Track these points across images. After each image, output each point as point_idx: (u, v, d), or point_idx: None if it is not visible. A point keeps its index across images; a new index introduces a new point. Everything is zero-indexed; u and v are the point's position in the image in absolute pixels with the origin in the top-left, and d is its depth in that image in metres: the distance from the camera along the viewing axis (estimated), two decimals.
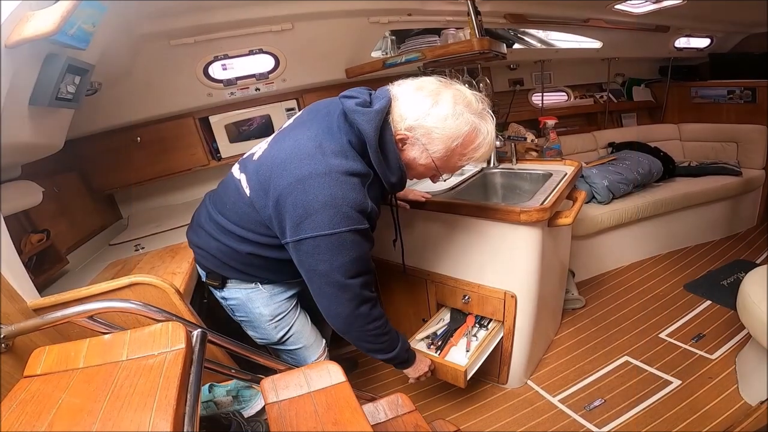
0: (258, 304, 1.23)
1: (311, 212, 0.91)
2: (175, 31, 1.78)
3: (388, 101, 0.99)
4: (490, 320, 1.69)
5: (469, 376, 1.47)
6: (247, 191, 1.05)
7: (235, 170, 1.15)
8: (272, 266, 1.15)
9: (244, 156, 1.17)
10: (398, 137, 1.00)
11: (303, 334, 1.32)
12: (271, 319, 1.25)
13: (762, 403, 1.46)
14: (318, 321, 1.40)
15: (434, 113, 0.97)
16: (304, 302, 1.34)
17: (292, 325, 1.29)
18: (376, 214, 1.03)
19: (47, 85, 1.08)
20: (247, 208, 1.06)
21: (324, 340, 1.40)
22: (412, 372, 1.32)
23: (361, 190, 0.96)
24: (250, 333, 1.32)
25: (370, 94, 1.03)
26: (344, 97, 1.00)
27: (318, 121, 1.03)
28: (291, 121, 1.15)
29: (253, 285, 1.21)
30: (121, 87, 1.84)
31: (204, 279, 1.25)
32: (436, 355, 1.54)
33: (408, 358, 1.26)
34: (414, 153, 1.03)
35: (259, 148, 1.12)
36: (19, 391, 0.65)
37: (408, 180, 1.12)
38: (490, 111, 1.04)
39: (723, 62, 3.37)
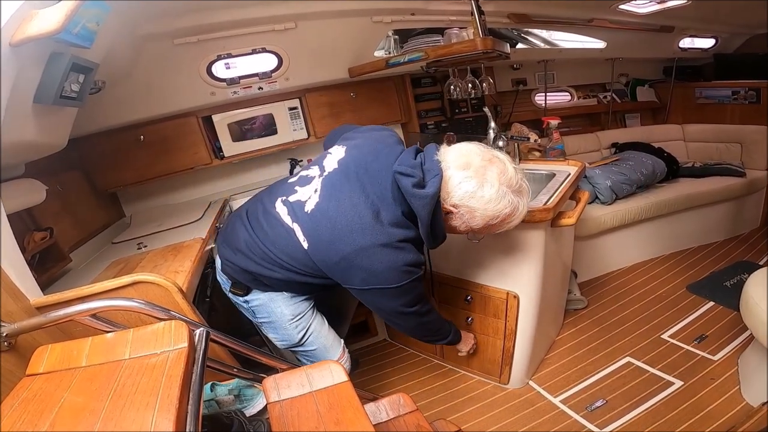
0: (280, 303, 1.27)
1: (376, 273, 1.06)
2: (179, 30, 1.78)
3: (440, 180, 1.04)
4: None
5: None
6: (305, 244, 1.10)
7: (283, 213, 1.14)
8: (302, 287, 1.25)
9: (291, 199, 1.15)
10: (443, 210, 1.08)
11: (321, 334, 1.36)
12: (293, 319, 1.29)
13: (764, 404, 1.45)
14: (332, 323, 1.43)
15: (479, 195, 1.04)
16: (318, 307, 1.39)
17: (311, 325, 1.34)
18: (424, 260, 1.19)
19: (51, 83, 1.08)
20: (302, 256, 1.12)
21: (342, 341, 1.43)
22: (463, 347, 1.57)
23: (414, 250, 1.11)
24: (270, 335, 1.36)
25: (422, 165, 1.06)
26: (399, 174, 1.03)
27: (371, 184, 1.08)
28: (336, 165, 1.14)
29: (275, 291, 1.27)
30: (124, 86, 1.84)
31: (228, 288, 1.29)
32: None
33: (459, 338, 1.50)
34: (455, 223, 1.12)
35: (307, 195, 1.13)
36: (21, 390, 0.65)
37: None
38: (526, 181, 1.11)
39: (727, 63, 3.34)
